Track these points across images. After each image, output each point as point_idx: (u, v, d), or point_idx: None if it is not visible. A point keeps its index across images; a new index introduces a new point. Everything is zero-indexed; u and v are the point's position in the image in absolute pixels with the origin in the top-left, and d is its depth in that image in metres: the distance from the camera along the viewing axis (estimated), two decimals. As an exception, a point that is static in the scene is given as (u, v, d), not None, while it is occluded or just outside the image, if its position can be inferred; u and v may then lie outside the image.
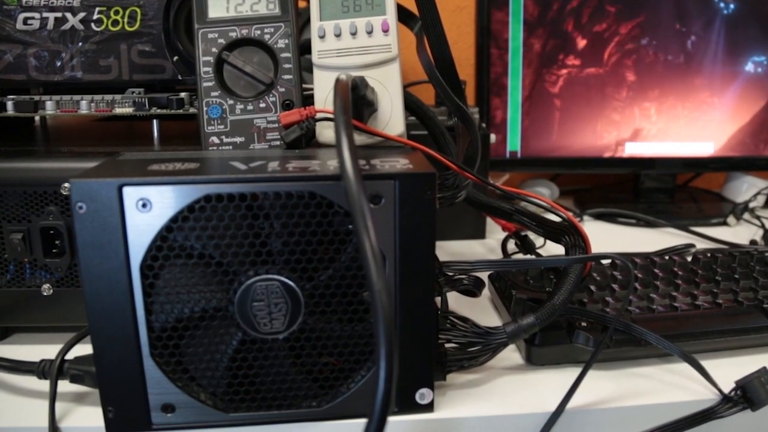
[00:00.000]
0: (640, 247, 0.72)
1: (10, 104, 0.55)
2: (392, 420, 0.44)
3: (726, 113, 0.96)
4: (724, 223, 0.91)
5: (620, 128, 0.96)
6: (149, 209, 0.39)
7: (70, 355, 0.45)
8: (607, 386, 0.49)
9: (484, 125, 0.92)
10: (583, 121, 0.96)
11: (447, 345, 0.48)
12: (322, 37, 0.51)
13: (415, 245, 0.41)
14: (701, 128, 0.97)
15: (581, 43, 0.94)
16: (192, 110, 0.56)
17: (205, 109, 0.51)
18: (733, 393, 0.47)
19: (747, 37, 0.95)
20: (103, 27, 0.55)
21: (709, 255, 0.63)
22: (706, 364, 0.48)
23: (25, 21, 0.54)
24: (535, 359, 0.51)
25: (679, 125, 0.96)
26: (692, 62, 0.95)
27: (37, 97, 0.56)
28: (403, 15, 0.55)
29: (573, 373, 0.47)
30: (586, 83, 0.95)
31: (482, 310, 0.62)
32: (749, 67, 0.95)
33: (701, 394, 0.47)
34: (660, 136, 0.97)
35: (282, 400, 0.43)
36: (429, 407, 0.45)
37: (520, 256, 0.72)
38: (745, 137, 0.97)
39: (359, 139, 0.50)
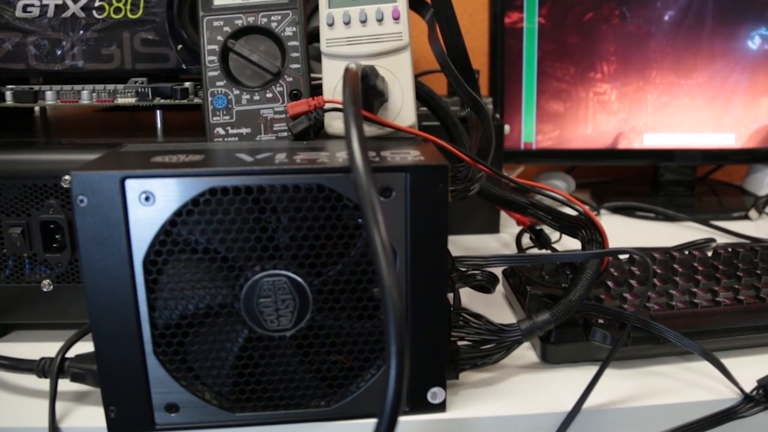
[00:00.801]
0: (659, 242, 0.73)
1: (9, 94, 0.55)
2: (403, 420, 0.43)
3: (743, 99, 0.94)
4: (746, 217, 0.90)
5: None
6: (152, 203, 0.39)
7: (70, 353, 0.45)
8: (625, 385, 0.48)
9: (498, 116, 0.91)
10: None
11: (459, 343, 0.47)
12: (330, 24, 0.51)
13: (426, 240, 0.41)
14: (721, 119, 0.94)
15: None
16: (196, 100, 0.56)
17: (210, 99, 0.51)
18: (755, 392, 0.46)
19: (747, 6, 0.87)
20: (104, 14, 0.55)
21: (730, 250, 0.62)
22: (727, 362, 0.48)
23: (24, 8, 0.54)
24: (550, 357, 0.51)
25: (686, 116, 0.94)
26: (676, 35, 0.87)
27: (36, 87, 0.55)
28: (414, 2, 0.55)
29: (590, 371, 0.47)
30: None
31: (496, 307, 0.62)
32: (754, 43, 0.89)
33: (722, 394, 0.47)
34: (673, 128, 0.95)
35: (289, 400, 0.43)
36: (441, 407, 0.44)
37: (535, 250, 0.72)
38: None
39: (369, 130, 0.50)
